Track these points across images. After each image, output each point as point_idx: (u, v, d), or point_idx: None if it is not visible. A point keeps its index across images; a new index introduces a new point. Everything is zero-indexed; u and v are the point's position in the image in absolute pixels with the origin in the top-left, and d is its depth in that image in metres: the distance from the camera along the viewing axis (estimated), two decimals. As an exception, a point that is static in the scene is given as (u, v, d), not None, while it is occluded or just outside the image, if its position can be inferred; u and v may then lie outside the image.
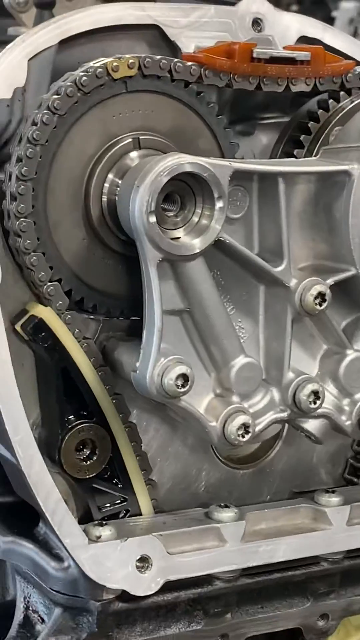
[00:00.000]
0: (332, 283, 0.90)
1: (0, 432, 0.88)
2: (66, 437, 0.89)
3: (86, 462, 0.91)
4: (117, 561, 0.87)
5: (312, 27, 0.96)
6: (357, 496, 0.99)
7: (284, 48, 0.92)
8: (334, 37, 0.97)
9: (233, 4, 0.93)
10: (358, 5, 4.04)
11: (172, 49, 0.94)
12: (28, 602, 0.94)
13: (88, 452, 0.91)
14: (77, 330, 0.89)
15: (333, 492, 0.99)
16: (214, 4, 0.94)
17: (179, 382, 0.83)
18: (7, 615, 0.96)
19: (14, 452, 0.87)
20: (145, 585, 0.88)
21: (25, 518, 0.95)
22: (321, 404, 0.91)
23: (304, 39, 0.94)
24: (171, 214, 0.85)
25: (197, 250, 0.84)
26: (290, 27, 0.94)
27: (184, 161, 0.82)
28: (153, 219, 0.80)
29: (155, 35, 0.92)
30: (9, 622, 0.96)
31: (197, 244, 0.84)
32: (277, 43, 0.93)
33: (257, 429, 0.89)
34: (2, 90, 0.86)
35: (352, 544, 0.97)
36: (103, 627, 0.89)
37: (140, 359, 0.85)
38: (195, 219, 0.85)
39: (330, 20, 4.25)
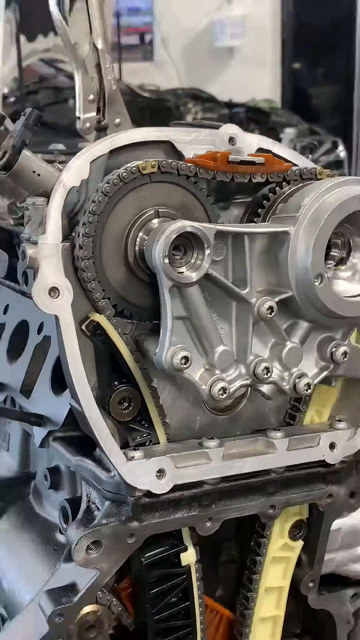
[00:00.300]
0: (278, 300, 0.99)
1: (73, 393, 0.97)
2: (112, 395, 0.99)
3: (125, 411, 1.00)
4: (144, 472, 0.97)
5: (266, 142, 1.09)
6: (293, 432, 1.10)
7: (249, 155, 1.03)
8: (279, 148, 1.09)
9: (217, 127, 1.04)
10: (295, 131, 5.16)
11: (179, 155, 1.02)
12: (89, 497, 1.04)
13: (126, 405, 1.00)
14: (119, 329, 0.99)
15: (278, 430, 1.09)
16: (206, 128, 1.05)
17: (182, 362, 0.94)
18: (77, 504, 1.05)
19: (81, 405, 0.96)
20: (161, 487, 0.99)
21: (87, 445, 1.02)
22: (271, 375, 1.00)
23: (260, 150, 1.06)
24: (178, 257, 0.94)
25: (194, 280, 0.94)
26: (252, 142, 1.06)
27: (186, 225, 0.92)
28: (167, 260, 0.91)
29: (169, 147, 1.02)
30: (77, 509, 1.06)
31: (194, 276, 0.94)
32: (244, 152, 1.04)
33: (231, 391, 0.98)
34: (74, 181, 0.96)
35: (290, 462, 1.08)
36: (135, 513, 0.99)
37: (159, 347, 0.95)
38: (193, 260, 0.94)
39: (278, 140, 4.59)
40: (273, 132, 5.62)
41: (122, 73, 6.26)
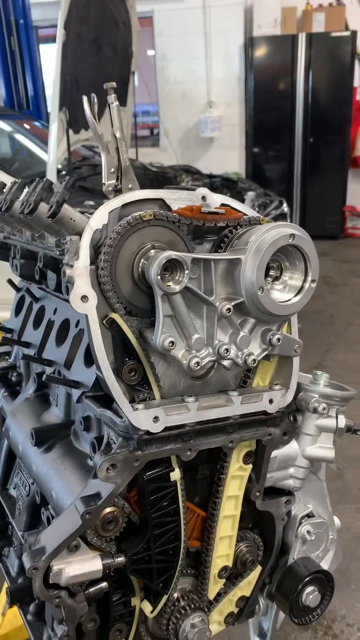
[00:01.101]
0: (234, 304, 0.99)
1: (97, 366, 0.96)
2: (124, 367, 0.98)
3: (132, 377, 0.99)
4: (144, 418, 0.96)
5: (227, 200, 1.07)
6: (245, 392, 1.08)
7: (215, 208, 1.03)
8: (235, 204, 1.07)
9: (194, 190, 1.04)
10: (254, 193, 5.21)
11: (168, 208, 1.01)
12: (109, 435, 1.04)
13: (133, 373, 0.99)
14: (128, 324, 0.97)
15: (235, 390, 1.08)
16: (186, 190, 1.04)
17: (170, 345, 0.94)
18: (101, 441, 1.05)
19: (103, 374, 0.96)
20: (156, 428, 0.97)
21: (107, 401, 1.02)
22: (229, 354, 1.00)
23: (223, 204, 1.06)
24: (167, 275, 0.93)
25: (177, 291, 0.93)
26: (217, 200, 1.05)
27: (172, 254, 0.92)
28: (159, 277, 0.91)
29: (162, 202, 1.01)
30: (101, 444, 1.04)
31: (177, 288, 0.93)
32: (212, 206, 1.04)
33: (202, 364, 0.98)
34: (98, 225, 0.96)
35: (242, 411, 1.07)
36: (139, 445, 0.98)
37: (154, 335, 0.95)
38: (177, 278, 0.94)
39: (243, 200, 4.65)
40: (239, 194, 5.67)
41: (137, 155, 6.27)
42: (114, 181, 1.36)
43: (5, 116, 6.00)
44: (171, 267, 0.94)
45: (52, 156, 4.39)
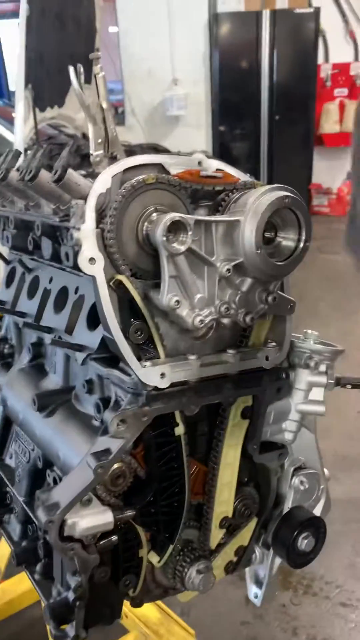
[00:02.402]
0: (234, 264, 1.02)
1: (105, 327, 1.00)
2: (131, 327, 1.00)
3: (139, 337, 1.01)
4: (153, 374, 1.00)
5: (221, 164, 1.10)
6: (242, 350, 1.12)
7: (212, 172, 1.06)
8: (229, 169, 1.10)
9: (190, 155, 1.06)
10: None
11: (167, 172, 1.03)
12: (117, 394, 1.07)
13: (139, 333, 1.01)
14: (134, 285, 0.99)
15: (233, 348, 1.12)
16: (183, 155, 1.06)
17: (175, 304, 0.99)
18: (105, 401, 1.10)
19: (112, 334, 0.99)
20: (163, 384, 1.02)
21: (113, 362, 1.05)
22: (229, 312, 1.05)
23: (218, 169, 1.08)
24: (171, 237, 0.96)
25: (182, 251, 0.97)
26: (212, 164, 1.08)
27: (176, 216, 0.95)
28: (164, 238, 0.94)
29: (160, 167, 1.03)
30: (106, 405, 1.10)
31: (181, 248, 0.96)
32: (208, 170, 1.07)
33: (205, 321, 1.02)
34: (102, 189, 0.98)
35: (240, 368, 1.12)
36: (147, 400, 1.01)
37: (160, 294, 0.98)
38: (181, 238, 0.97)
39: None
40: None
41: (105, 133, 6.21)
42: (102, 151, 1.39)
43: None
44: (174, 229, 0.96)
45: (20, 135, 4.32)
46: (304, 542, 1.28)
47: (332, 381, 1.25)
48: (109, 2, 8.06)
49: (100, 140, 1.39)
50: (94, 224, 0.96)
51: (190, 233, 0.96)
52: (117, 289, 0.99)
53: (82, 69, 1.36)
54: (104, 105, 1.44)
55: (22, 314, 1.44)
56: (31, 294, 1.44)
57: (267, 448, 1.29)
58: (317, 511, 1.36)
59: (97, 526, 1.06)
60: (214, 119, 8.45)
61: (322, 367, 1.24)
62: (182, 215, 0.95)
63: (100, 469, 1.03)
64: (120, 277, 0.99)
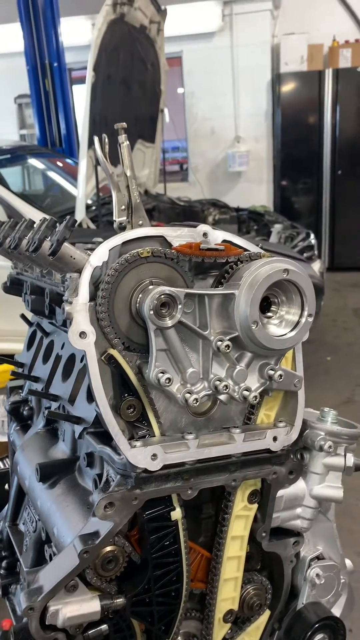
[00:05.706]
0: (229, 338, 0.98)
1: (95, 402, 0.96)
2: (122, 403, 0.98)
3: (131, 414, 0.98)
4: (142, 456, 0.96)
5: (228, 235, 1.07)
6: (248, 429, 1.07)
7: (215, 244, 1.03)
8: (237, 240, 1.07)
9: (195, 227, 1.03)
10: (281, 226, 5.03)
11: (168, 245, 1.01)
12: (108, 473, 1.03)
13: (132, 410, 0.98)
14: (127, 359, 0.98)
15: (237, 427, 1.07)
16: (188, 227, 1.03)
17: (166, 381, 0.95)
18: (100, 478, 1.06)
19: (100, 410, 0.96)
20: (154, 466, 0.97)
21: (107, 437, 1.00)
22: (227, 389, 0.99)
23: (225, 241, 1.05)
24: (164, 311, 0.94)
25: (170, 325, 0.94)
26: (219, 236, 1.05)
27: (166, 289, 0.93)
28: (152, 312, 0.92)
29: (163, 239, 1.01)
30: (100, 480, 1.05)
31: (169, 323, 0.94)
32: (212, 242, 1.04)
33: (198, 398, 0.97)
34: (98, 262, 0.97)
35: (245, 449, 1.06)
36: (137, 483, 0.97)
37: (149, 370, 0.95)
38: (172, 313, 0.94)
39: (269, 232, 4.59)
40: (266, 227, 5.67)
41: (166, 189, 6.37)
42: (125, 218, 1.38)
43: (39, 154, 6.21)
44: (166, 302, 0.94)
45: (82, 192, 4.50)
46: (318, 646, 1.15)
47: (351, 465, 1.14)
48: (176, 66, 8.43)
49: (123, 207, 1.39)
50: (87, 298, 0.95)
51: (180, 307, 0.94)
52: (109, 363, 0.97)
53: (106, 139, 1.37)
54: (128, 174, 1.45)
55: (36, 379, 1.44)
56: (46, 359, 1.44)
57: (280, 535, 1.20)
58: (338, 609, 1.22)
59: (83, 615, 1.00)
60: (276, 174, 8.51)
61: (340, 450, 1.14)
62: (171, 289, 0.93)
63: (85, 554, 0.98)
64: (112, 351, 0.97)
